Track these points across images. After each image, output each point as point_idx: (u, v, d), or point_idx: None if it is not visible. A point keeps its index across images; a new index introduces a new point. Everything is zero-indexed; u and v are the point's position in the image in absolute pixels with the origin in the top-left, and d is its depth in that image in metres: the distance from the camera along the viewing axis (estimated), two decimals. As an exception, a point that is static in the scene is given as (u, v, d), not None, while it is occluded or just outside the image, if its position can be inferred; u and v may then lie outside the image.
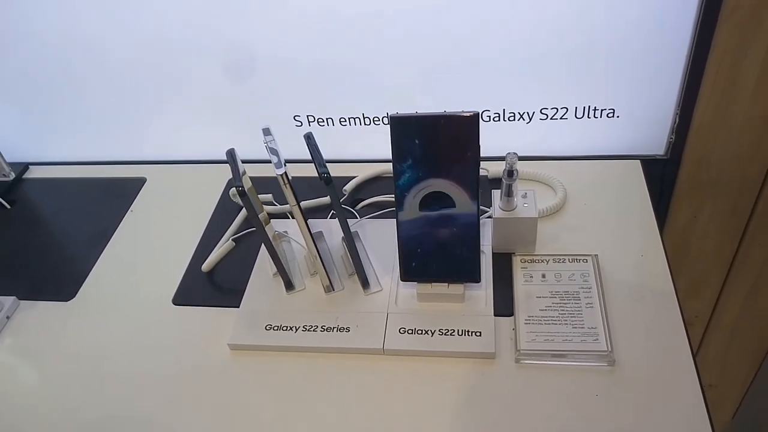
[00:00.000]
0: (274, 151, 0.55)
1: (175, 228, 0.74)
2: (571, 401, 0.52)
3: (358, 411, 0.53)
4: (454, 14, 0.66)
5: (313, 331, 0.59)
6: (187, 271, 0.68)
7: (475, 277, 0.59)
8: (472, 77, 0.71)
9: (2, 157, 0.83)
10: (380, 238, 0.67)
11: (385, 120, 0.76)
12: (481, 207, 0.61)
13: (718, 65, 0.66)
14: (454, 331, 0.57)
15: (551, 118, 0.73)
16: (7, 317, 0.66)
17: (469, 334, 0.57)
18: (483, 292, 0.60)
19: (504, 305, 0.59)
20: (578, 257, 0.62)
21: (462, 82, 0.71)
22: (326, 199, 0.73)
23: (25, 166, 0.88)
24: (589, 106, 0.72)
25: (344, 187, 0.75)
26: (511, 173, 0.57)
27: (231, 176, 0.79)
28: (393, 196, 0.72)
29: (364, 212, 0.72)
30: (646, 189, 0.71)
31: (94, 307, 0.67)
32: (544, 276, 0.61)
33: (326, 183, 0.53)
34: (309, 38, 0.70)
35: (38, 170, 0.88)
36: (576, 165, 0.74)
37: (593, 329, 0.56)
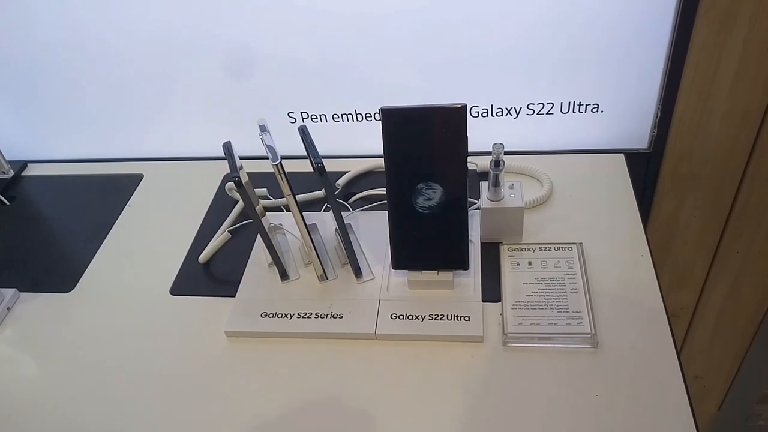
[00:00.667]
0: (269, 145, 0.56)
1: (172, 222, 0.76)
2: (556, 382, 0.54)
3: (352, 394, 0.55)
4: (444, 13, 0.68)
5: (308, 317, 0.61)
6: (184, 262, 0.70)
7: (463, 265, 0.61)
8: (461, 74, 0.73)
9: (1, 154, 0.84)
10: (372, 230, 0.69)
11: (377, 116, 0.78)
12: (469, 199, 0.63)
13: (696, 61, 0.69)
14: (443, 316, 0.59)
15: (538, 114, 0.75)
16: (8, 308, 0.68)
17: (458, 318, 0.59)
18: (471, 279, 0.62)
19: (492, 292, 0.61)
20: (563, 245, 0.64)
21: (451, 78, 0.73)
22: (320, 193, 0.75)
23: (23, 164, 0.89)
24: (574, 102, 0.74)
25: (337, 181, 0.77)
26: (497, 163, 0.59)
27: (227, 172, 0.82)
28: (384, 189, 0.74)
29: (356, 205, 0.74)
30: (630, 182, 0.73)
31: (94, 298, 0.68)
32: (530, 264, 0.63)
33: (320, 173, 0.55)
34: (302, 36, 0.72)
35: (37, 168, 0.89)
36: (562, 159, 0.77)
37: (578, 313, 0.58)
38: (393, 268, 0.62)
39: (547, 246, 0.64)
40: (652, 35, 0.68)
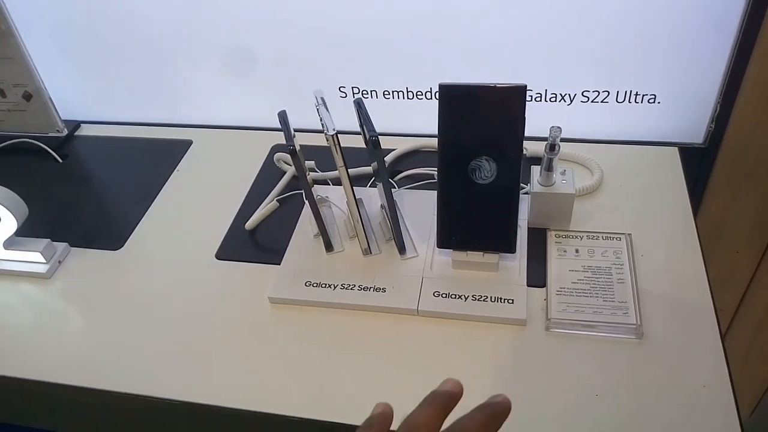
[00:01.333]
0: (325, 116, 0.57)
1: (220, 188, 0.77)
2: (598, 370, 0.54)
3: (390, 367, 0.56)
4: (503, -8, 0.67)
5: (351, 289, 0.61)
6: (230, 228, 0.71)
7: (510, 248, 0.60)
8: (516, 56, 0.72)
9: (57, 113, 0.86)
10: (417, 209, 0.69)
11: (428, 95, 0.78)
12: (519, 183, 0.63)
13: (763, 56, 0.67)
14: (487, 297, 0.59)
15: (592, 101, 0.74)
16: (59, 262, 0.70)
17: (502, 301, 0.58)
18: (517, 263, 0.62)
19: (537, 277, 0.61)
20: (612, 235, 0.63)
21: (504, 60, 0.73)
22: (366, 169, 0.75)
23: (77, 124, 0.91)
24: (631, 91, 0.73)
25: (385, 158, 0.77)
26: (553, 147, 0.59)
27: (275, 143, 0.83)
28: (430, 169, 0.74)
29: (401, 184, 0.74)
30: (683, 176, 0.71)
31: (141, 257, 0.70)
32: (577, 251, 0.62)
33: (374, 147, 0.55)
34: (359, 10, 0.72)
35: (90, 128, 0.91)
36: (614, 149, 0.76)
37: (623, 303, 0.57)
38: (438, 247, 0.62)
39: (595, 234, 0.64)
40: (719, 27, 0.66)
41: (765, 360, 1.05)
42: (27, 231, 0.69)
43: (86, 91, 0.90)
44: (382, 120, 0.79)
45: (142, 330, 0.62)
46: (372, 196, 0.71)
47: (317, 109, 0.58)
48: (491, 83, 0.53)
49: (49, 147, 0.86)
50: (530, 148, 0.73)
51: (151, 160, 0.84)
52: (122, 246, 0.71)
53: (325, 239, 0.65)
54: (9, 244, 0.68)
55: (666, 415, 0.50)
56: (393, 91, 0.78)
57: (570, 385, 0.53)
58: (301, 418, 0.53)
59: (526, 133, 0.55)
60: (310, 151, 0.70)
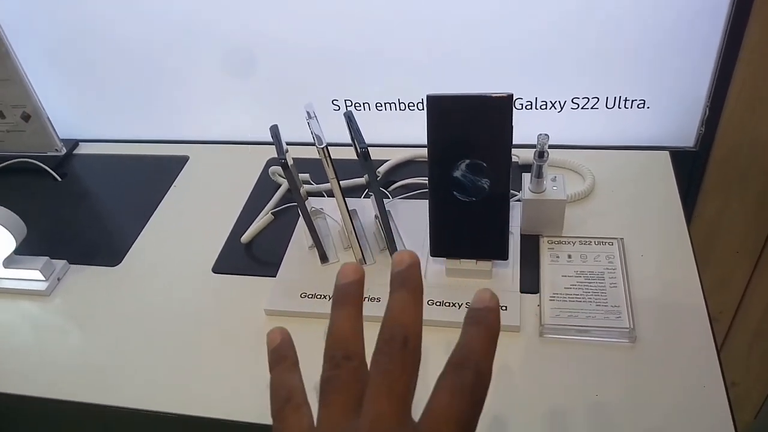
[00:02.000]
0: (315, 129, 0.57)
1: (216, 203, 0.78)
2: (592, 374, 0.54)
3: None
4: (490, 2, 0.68)
5: (346, 300, 0.62)
6: (226, 242, 0.72)
7: (503, 255, 0.61)
8: (505, 65, 0.73)
9: (55, 132, 0.87)
10: (411, 218, 0.70)
11: (420, 106, 0.79)
12: (510, 191, 0.63)
13: (750, 58, 0.68)
14: (480, 304, 0.59)
15: (582, 108, 0.75)
16: (58, 279, 0.70)
17: (496, 308, 0.59)
18: (510, 270, 0.62)
19: (530, 283, 0.61)
20: (604, 240, 0.64)
21: (495, 69, 0.74)
22: (360, 180, 0.75)
23: (75, 143, 0.93)
24: (620, 97, 0.73)
25: (378, 169, 0.77)
26: (542, 154, 0.59)
27: (270, 157, 0.83)
28: (424, 178, 0.75)
29: (395, 193, 0.75)
30: (674, 180, 0.72)
31: (139, 273, 0.71)
32: (570, 257, 0.63)
33: (364, 158, 0.56)
34: (348, 25, 0.73)
35: (88, 147, 0.93)
36: (605, 154, 0.76)
37: (616, 307, 0.57)
38: (431, 256, 0.63)
39: (587, 240, 0.64)
40: (704, 32, 0.67)
41: (766, 362, 1.04)
42: (26, 249, 0.69)
43: (84, 110, 0.91)
44: (375, 131, 0.81)
45: (141, 345, 0.62)
46: (366, 207, 0.72)
47: (308, 123, 0.58)
48: (478, 93, 0.54)
49: (48, 166, 0.87)
50: (522, 155, 0.74)
51: (149, 177, 0.85)
52: (120, 262, 0.72)
53: (320, 251, 0.65)
54: (8, 263, 0.69)
55: (660, 418, 0.50)
56: (385, 103, 0.79)
57: (564, 389, 0.53)
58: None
59: (518, 141, 0.56)
60: (305, 164, 0.71)
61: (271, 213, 0.73)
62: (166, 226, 0.76)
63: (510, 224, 0.61)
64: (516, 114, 0.76)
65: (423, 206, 0.62)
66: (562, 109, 0.75)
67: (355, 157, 0.60)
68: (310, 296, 0.63)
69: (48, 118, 0.86)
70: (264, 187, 0.79)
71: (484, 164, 0.57)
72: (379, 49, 0.75)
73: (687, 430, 0.50)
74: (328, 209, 0.71)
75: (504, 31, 0.70)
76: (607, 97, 0.74)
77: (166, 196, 0.81)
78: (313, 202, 0.72)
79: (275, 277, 0.65)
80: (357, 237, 0.64)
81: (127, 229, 0.76)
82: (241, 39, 0.77)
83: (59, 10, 0.79)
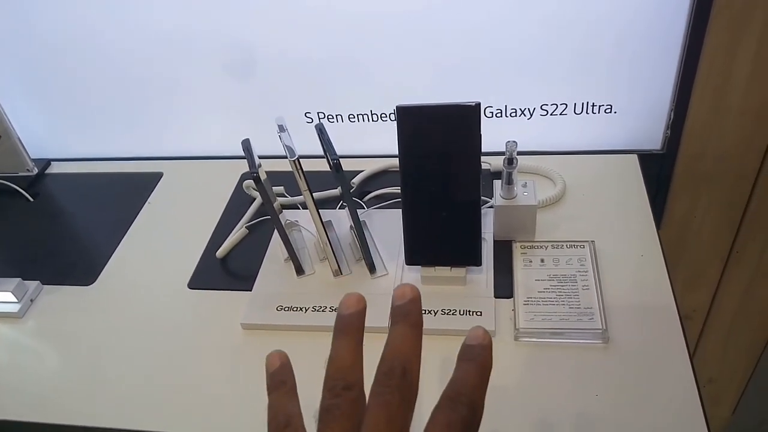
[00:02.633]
0: (287, 142, 0.58)
1: (191, 218, 0.78)
2: (567, 377, 0.55)
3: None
4: (458, 13, 0.69)
5: (323, 311, 0.62)
6: (202, 257, 0.72)
7: (476, 261, 0.62)
8: (475, 74, 0.74)
9: (26, 152, 0.87)
10: (386, 228, 0.70)
11: (392, 117, 0.79)
12: (483, 198, 0.64)
13: (710, 61, 0.69)
14: (455, 311, 0.60)
15: (551, 114, 0.76)
16: (31, 300, 0.70)
17: (470, 313, 0.59)
18: (484, 275, 0.63)
19: (504, 288, 0.62)
20: (576, 243, 0.65)
21: (465, 79, 0.75)
22: (335, 191, 0.76)
23: (47, 162, 0.92)
24: (588, 102, 0.75)
25: (352, 180, 0.78)
26: (510, 161, 0.60)
27: (244, 171, 0.84)
28: (398, 188, 0.75)
29: (370, 204, 0.75)
30: (643, 182, 0.73)
31: (114, 291, 0.70)
32: (542, 261, 0.64)
33: (336, 170, 0.56)
34: (318, 37, 0.74)
35: (60, 166, 0.92)
36: (575, 159, 0.77)
37: (589, 309, 0.58)
38: (406, 264, 0.63)
39: (559, 243, 0.65)
40: (666, 36, 0.68)
41: (742, 357, 1.06)
42: (-2, 271, 0.69)
43: (55, 128, 0.90)
44: (349, 142, 0.81)
45: (117, 364, 0.62)
46: (342, 218, 0.72)
47: (279, 137, 0.59)
48: (447, 103, 0.55)
49: (19, 186, 0.86)
50: (492, 162, 0.75)
51: (123, 194, 0.84)
52: (95, 281, 0.71)
53: (296, 263, 0.66)
54: (-21, 286, 0.68)
55: (634, 417, 0.51)
56: (358, 115, 0.80)
57: (540, 392, 0.54)
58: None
59: (489, 149, 0.57)
60: (279, 177, 0.71)
61: (246, 227, 0.73)
62: (141, 244, 0.76)
63: (483, 230, 0.62)
64: (487, 122, 0.78)
65: (397, 216, 0.63)
66: (531, 116, 0.77)
67: (329, 168, 0.60)
68: (286, 309, 0.63)
69: (18, 137, 0.85)
70: (239, 201, 0.79)
71: (455, 172, 0.57)
72: (351, 61, 0.75)
73: (660, 427, 0.51)
74: (303, 221, 0.72)
75: (473, 42, 0.71)
76: (575, 103, 0.75)
77: (140, 213, 0.80)
78: (288, 215, 0.72)
79: (251, 290, 0.65)
80: (332, 248, 0.64)
81: (101, 247, 0.75)
82: (214, 54, 0.77)
83: (28, 27, 0.79)
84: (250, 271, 0.68)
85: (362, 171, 0.79)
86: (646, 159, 0.77)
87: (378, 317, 0.60)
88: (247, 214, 0.75)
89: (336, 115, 0.80)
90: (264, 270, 0.67)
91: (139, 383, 0.60)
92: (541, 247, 0.65)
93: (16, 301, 0.68)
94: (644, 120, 0.76)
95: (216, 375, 0.59)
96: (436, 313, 0.60)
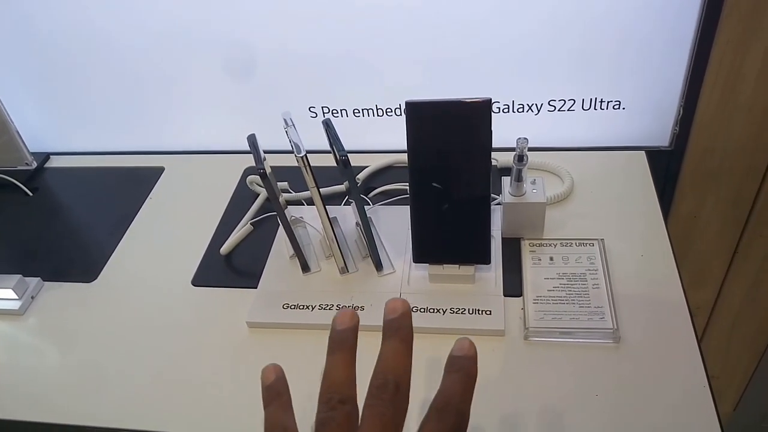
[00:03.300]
0: (294, 137, 0.57)
1: (194, 214, 0.77)
2: (577, 376, 0.54)
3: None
4: (464, 6, 0.68)
5: (329, 309, 0.61)
6: (205, 254, 0.71)
7: (485, 259, 0.61)
8: (482, 69, 0.73)
9: (25, 146, 0.85)
10: (392, 224, 0.70)
11: (398, 111, 0.78)
12: (491, 195, 0.63)
13: (720, 58, 0.69)
14: (464, 309, 0.59)
15: (559, 110, 0.75)
16: (32, 297, 0.68)
17: (480, 312, 0.59)
18: (493, 273, 0.62)
19: (513, 286, 0.61)
20: (585, 241, 0.64)
21: (473, 74, 0.74)
22: (340, 187, 0.75)
23: (46, 156, 0.90)
24: (596, 99, 0.74)
25: (357, 176, 0.77)
26: (521, 158, 0.59)
27: (247, 165, 0.83)
28: (404, 184, 0.74)
29: (376, 200, 0.74)
30: (651, 179, 0.73)
31: (116, 289, 0.69)
32: (551, 259, 0.63)
33: (344, 166, 0.56)
34: (324, 31, 0.72)
35: (59, 159, 0.90)
36: (583, 155, 0.77)
37: (599, 308, 0.58)
38: (414, 262, 0.63)
39: (568, 241, 0.64)
40: (676, 32, 0.67)
41: (744, 354, 1.06)
42: (-2, 268, 0.68)
43: (55, 121, 0.89)
44: (353, 137, 0.80)
45: (119, 363, 0.61)
46: (347, 214, 0.71)
47: (286, 132, 0.58)
48: (457, 99, 0.54)
49: (18, 180, 0.85)
50: (500, 158, 0.74)
51: (123, 189, 0.83)
52: (96, 278, 0.70)
53: (301, 260, 0.65)
54: (-21, 283, 0.67)
55: (646, 417, 0.51)
56: (363, 109, 0.79)
57: (550, 392, 0.53)
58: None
59: (496, 144, 0.56)
60: (283, 172, 0.70)
61: (251, 223, 0.72)
62: (143, 240, 0.75)
63: (491, 228, 0.61)
64: (494, 117, 0.77)
65: (403, 212, 0.62)
66: (539, 111, 0.76)
67: (333, 164, 0.59)
68: (292, 307, 0.62)
69: (17, 131, 0.84)
70: (242, 197, 0.78)
71: (464, 169, 0.57)
72: (357, 55, 0.74)
73: (673, 426, 0.50)
74: (308, 217, 0.71)
75: (480, 36, 0.70)
76: (583, 99, 0.74)
77: (141, 208, 0.79)
78: (292, 211, 0.72)
79: (256, 288, 0.65)
80: (339, 245, 0.63)
81: (103, 243, 0.74)
82: (216, 47, 0.76)
83: (27, 19, 0.77)
84: (255, 268, 0.67)
85: (367, 166, 0.78)
86: (654, 155, 0.76)
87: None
88: (251, 210, 0.74)
89: (341, 110, 0.79)
90: (269, 267, 0.67)
91: (142, 383, 0.59)
92: (550, 245, 0.64)
93: (16, 298, 0.67)
94: (652, 116, 0.75)
95: (221, 375, 0.58)
96: (444, 312, 0.59)
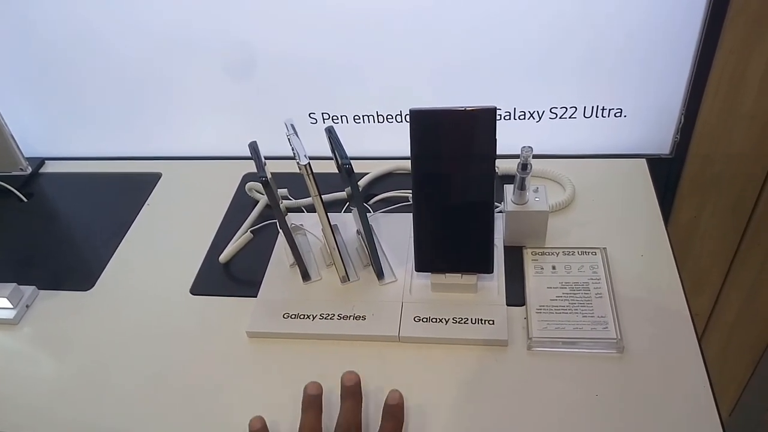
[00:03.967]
0: (296, 145, 0.56)
1: (192, 221, 0.76)
2: (581, 387, 0.54)
3: (374, 396, 0.55)
4: (464, 13, 0.68)
5: (330, 319, 0.60)
6: (204, 262, 0.70)
7: (488, 268, 0.60)
8: (483, 76, 0.73)
9: (20, 151, 0.84)
10: (393, 232, 0.69)
11: (398, 118, 0.78)
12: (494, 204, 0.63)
13: (723, 66, 0.69)
14: (467, 319, 0.59)
15: (560, 117, 0.75)
16: (27, 306, 0.67)
17: (482, 322, 0.58)
18: (495, 282, 0.62)
19: (516, 296, 0.61)
20: (587, 250, 0.64)
21: (473, 80, 0.73)
22: (340, 194, 0.74)
23: (41, 161, 0.89)
24: (597, 106, 0.74)
25: (357, 183, 0.76)
26: (525, 166, 0.59)
27: (246, 172, 0.82)
28: (405, 191, 0.74)
29: (376, 207, 0.74)
30: (652, 187, 0.73)
31: (113, 297, 0.68)
32: (554, 268, 0.63)
33: (348, 174, 0.55)
34: (324, 36, 0.72)
35: (54, 165, 0.89)
36: (584, 163, 0.76)
37: (603, 318, 0.57)
38: (416, 270, 0.62)
39: (570, 250, 0.64)
40: (679, 41, 0.67)
41: (741, 360, 1.06)
42: (-8, 276, 0.66)
43: (50, 126, 0.88)
44: (354, 144, 0.79)
45: (117, 373, 0.60)
46: (347, 222, 0.71)
47: (288, 139, 0.57)
48: (461, 107, 0.54)
49: (12, 186, 0.84)
50: (502, 166, 0.74)
51: (120, 196, 0.82)
52: (93, 286, 0.69)
53: (302, 268, 0.64)
54: (-27, 291, 0.66)
55: (650, 427, 0.50)
56: (363, 116, 0.78)
57: (553, 403, 0.53)
58: (286, 455, 0.52)
59: (497, 151, 0.55)
60: (282, 179, 0.69)
61: (250, 231, 0.71)
62: (140, 247, 0.74)
63: (494, 237, 0.60)
64: (496, 127, 0.77)
65: (404, 220, 0.61)
66: (540, 119, 0.75)
67: (333, 170, 0.59)
68: (293, 316, 0.61)
69: (11, 135, 0.82)
70: (241, 204, 0.77)
71: (468, 177, 0.56)
72: (357, 61, 0.73)
73: (678, 439, 0.50)
74: (308, 225, 0.70)
75: (481, 43, 0.70)
76: (584, 107, 0.74)
77: (139, 215, 0.78)
78: (292, 218, 0.71)
79: (256, 297, 0.64)
80: (340, 254, 0.62)
81: (99, 251, 0.73)
82: (215, 52, 0.75)
83: (22, 21, 0.76)
84: (254, 276, 0.66)
85: (367, 173, 0.78)
86: (654, 163, 0.76)
87: (387, 326, 0.59)
88: (250, 218, 0.73)
89: (341, 116, 0.79)
90: (269, 276, 0.66)
91: (140, 393, 0.58)
92: (553, 253, 0.64)
93: (11, 307, 0.66)
94: (654, 124, 0.75)
95: (221, 386, 0.58)
96: (447, 322, 0.59)
